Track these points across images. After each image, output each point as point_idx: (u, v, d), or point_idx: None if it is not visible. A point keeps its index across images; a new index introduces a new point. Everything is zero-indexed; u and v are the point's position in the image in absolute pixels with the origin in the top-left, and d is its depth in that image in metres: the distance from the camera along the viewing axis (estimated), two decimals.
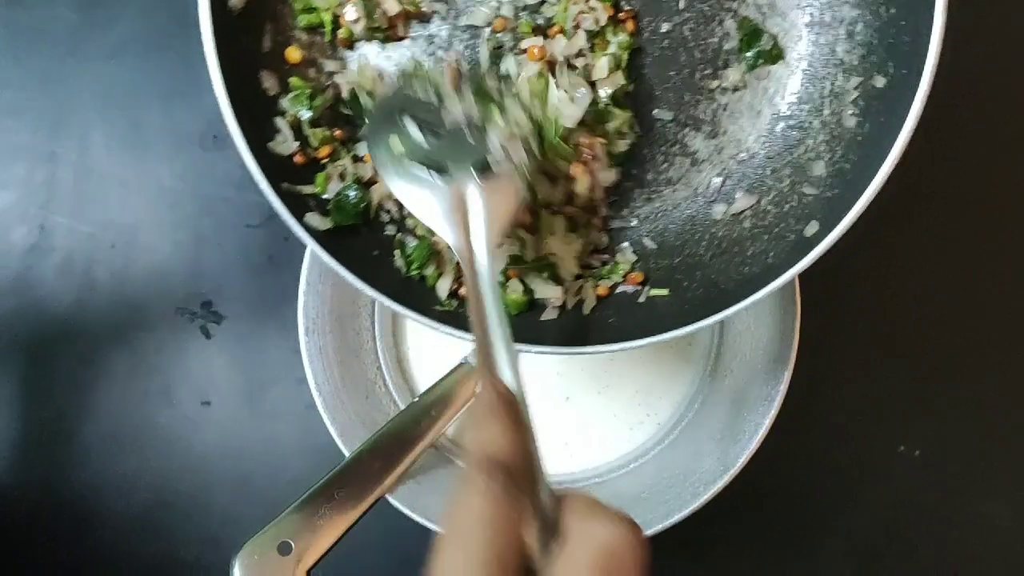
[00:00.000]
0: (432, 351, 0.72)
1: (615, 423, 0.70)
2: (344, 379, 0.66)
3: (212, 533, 0.75)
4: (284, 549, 0.54)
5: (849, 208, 0.47)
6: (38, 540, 0.76)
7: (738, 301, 0.50)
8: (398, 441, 0.62)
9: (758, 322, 0.66)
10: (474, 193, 0.47)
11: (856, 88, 0.52)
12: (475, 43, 0.56)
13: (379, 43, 0.56)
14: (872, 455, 0.75)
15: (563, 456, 0.70)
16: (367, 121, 0.54)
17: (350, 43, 0.56)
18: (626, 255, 0.57)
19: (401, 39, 0.56)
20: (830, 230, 0.48)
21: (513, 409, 0.38)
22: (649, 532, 0.60)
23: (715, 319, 0.50)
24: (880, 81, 0.51)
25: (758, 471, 0.62)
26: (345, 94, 0.56)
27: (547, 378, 0.71)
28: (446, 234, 0.47)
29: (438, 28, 0.56)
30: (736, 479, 0.61)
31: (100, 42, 0.83)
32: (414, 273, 0.56)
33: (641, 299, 0.56)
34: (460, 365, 0.68)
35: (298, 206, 0.52)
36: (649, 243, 0.57)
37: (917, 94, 0.46)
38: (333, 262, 0.52)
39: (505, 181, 0.48)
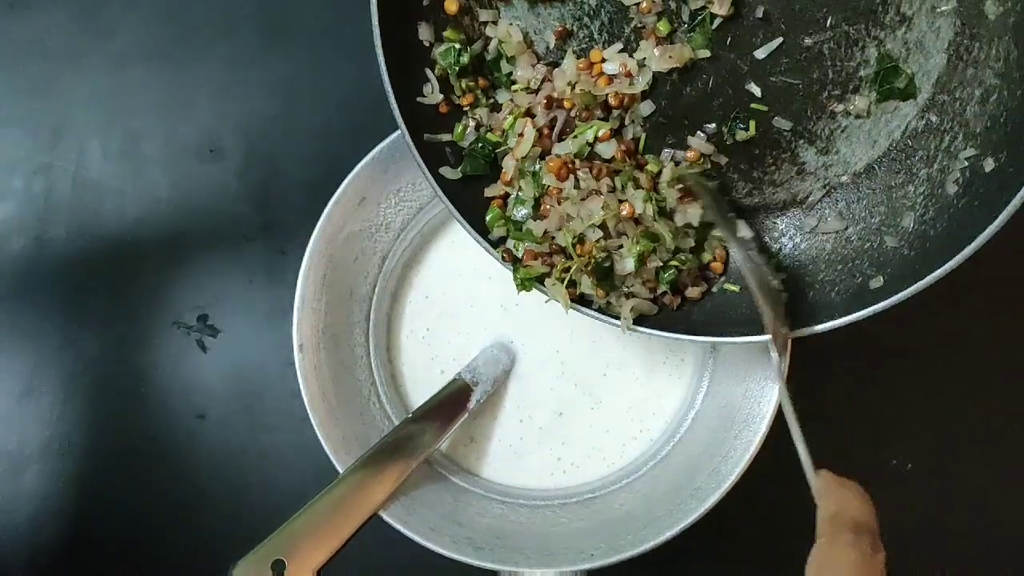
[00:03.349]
0: (426, 368, 0.72)
1: (608, 439, 0.70)
2: (338, 396, 0.66)
3: (207, 547, 0.75)
4: (277, 567, 0.55)
5: (913, 282, 0.48)
6: (32, 554, 0.76)
7: (792, 328, 0.53)
8: (392, 458, 0.62)
9: None
10: (783, 310, 0.55)
11: (968, 159, 0.52)
12: (620, 19, 0.58)
13: (528, 3, 0.58)
14: (864, 469, 0.74)
15: (556, 471, 0.70)
16: (707, 202, 0.57)
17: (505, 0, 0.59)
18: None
19: (552, 1, 0.58)
20: (890, 295, 0.50)
21: (859, 487, 0.47)
22: (642, 548, 0.60)
23: (764, 339, 0.53)
24: (989, 164, 0.50)
25: (751, 487, 0.62)
26: (490, 54, 0.59)
27: (540, 393, 0.71)
28: (770, 321, 0.54)
29: None
30: (729, 495, 0.60)
31: (98, 53, 0.84)
32: None
33: (715, 289, 0.59)
34: (453, 381, 0.68)
35: (435, 159, 0.58)
36: (744, 231, 0.59)
37: (1013, 199, 0.46)
38: (459, 216, 0.59)
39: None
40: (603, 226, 0.56)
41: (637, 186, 0.56)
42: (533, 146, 0.58)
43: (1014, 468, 0.75)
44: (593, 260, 0.56)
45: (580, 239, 0.56)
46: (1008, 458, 0.75)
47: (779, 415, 0.62)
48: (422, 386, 0.71)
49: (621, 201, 0.56)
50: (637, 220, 0.55)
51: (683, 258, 0.58)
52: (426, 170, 0.58)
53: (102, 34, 0.84)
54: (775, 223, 0.60)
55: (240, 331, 0.79)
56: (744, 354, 0.65)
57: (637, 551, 0.59)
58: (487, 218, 0.59)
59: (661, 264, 0.57)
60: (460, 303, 0.72)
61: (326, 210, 0.65)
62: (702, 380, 0.69)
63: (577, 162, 0.57)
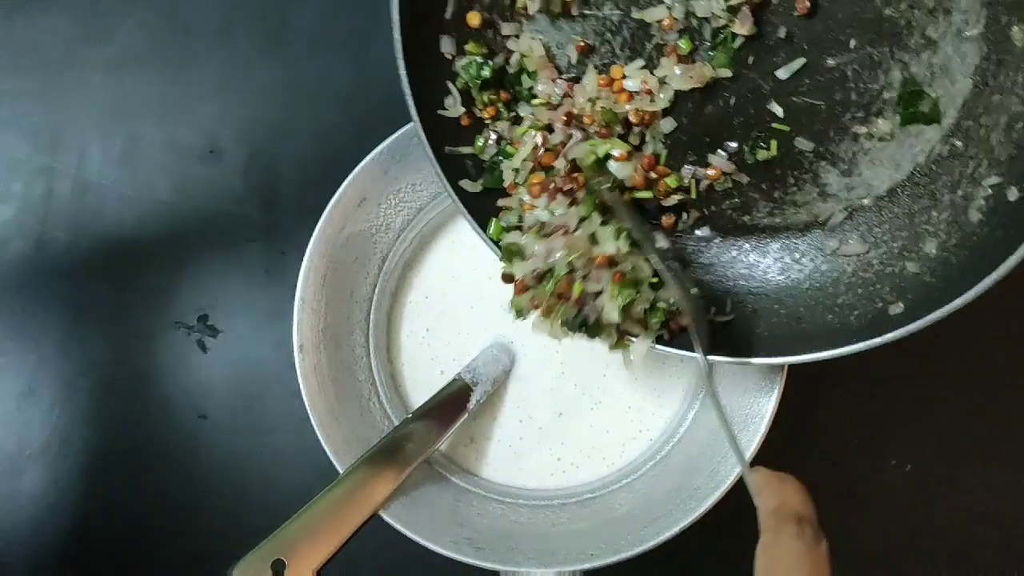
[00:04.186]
0: (426, 368, 0.72)
1: (607, 439, 0.70)
2: (338, 396, 0.66)
3: (207, 547, 0.75)
4: (277, 567, 0.55)
5: (934, 310, 0.48)
6: (32, 555, 0.76)
7: (810, 351, 0.53)
8: (392, 458, 0.62)
9: None
10: (703, 312, 0.57)
11: (992, 186, 0.51)
12: (641, 36, 0.57)
13: (550, 18, 0.59)
14: (863, 469, 0.75)
15: (556, 471, 0.70)
16: (623, 216, 0.56)
17: (526, 14, 0.59)
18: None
19: (573, 16, 0.58)
20: (909, 322, 0.49)
21: (797, 479, 0.48)
22: (642, 548, 0.60)
23: (785, 360, 0.54)
24: (1013, 193, 0.49)
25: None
26: (512, 67, 0.59)
27: (540, 393, 0.71)
28: (694, 328, 0.55)
29: (610, 12, 0.58)
30: (728, 495, 0.61)
31: (98, 56, 0.84)
32: None
33: (728, 309, 0.59)
34: (453, 382, 0.68)
35: (455, 171, 0.59)
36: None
37: None
38: (478, 229, 0.60)
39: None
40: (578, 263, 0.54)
41: (603, 211, 0.55)
42: (535, 156, 0.58)
43: (1013, 470, 0.75)
44: (574, 312, 0.54)
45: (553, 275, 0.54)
46: (1007, 460, 0.75)
47: (779, 414, 0.63)
48: (422, 386, 0.72)
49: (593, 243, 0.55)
50: (612, 261, 0.54)
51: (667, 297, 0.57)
52: (446, 182, 0.58)
53: (102, 38, 0.84)
54: (795, 244, 0.59)
55: (241, 332, 0.79)
56: None
57: (637, 551, 0.59)
58: (490, 229, 0.60)
59: (648, 306, 0.56)
60: (460, 303, 0.72)
61: (326, 211, 0.65)
62: (700, 381, 0.69)
63: (558, 181, 0.56)
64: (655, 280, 0.55)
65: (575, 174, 0.57)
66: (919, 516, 0.74)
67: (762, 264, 0.60)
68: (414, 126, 0.57)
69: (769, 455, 0.60)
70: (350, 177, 0.66)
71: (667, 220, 0.61)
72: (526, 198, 0.58)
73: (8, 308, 0.80)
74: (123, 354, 0.79)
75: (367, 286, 0.71)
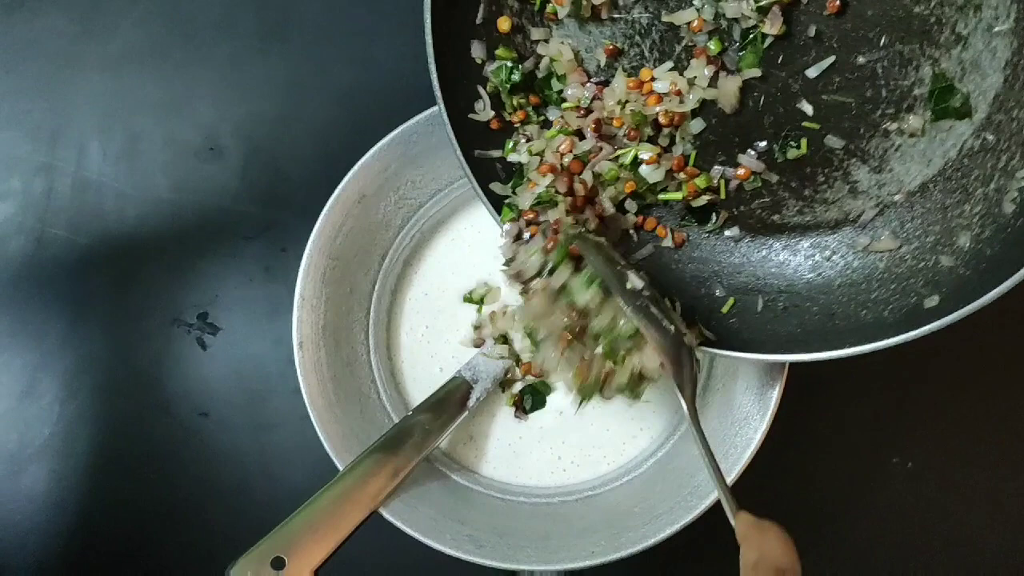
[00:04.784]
0: (425, 365, 0.72)
1: (608, 437, 0.70)
2: (338, 393, 0.66)
3: (209, 544, 0.75)
4: (277, 564, 0.55)
5: (969, 301, 0.47)
6: (33, 552, 0.76)
7: (844, 346, 0.52)
8: (392, 455, 0.62)
9: None
10: (687, 354, 0.55)
11: None
12: (670, 38, 0.57)
13: (579, 22, 0.59)
14: (865, 467, 0.74)
15: (556, 469, 0.70)
16: (591, 259, 0.56)
17: (556, 18, 0.59)
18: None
19: (602, 20, 0.58)
20: (945, 315, 0.48)
21: (779, 526, 0.46)
22: (643, 546, 0.60)
23: (820, 356, 0.52)
24: None
25: (751, 485, 0.62)
26: (541, 71, 0.60)
27: None
28: (672, 372, 0.54)
29: (640, 15, 0.57)
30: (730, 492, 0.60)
31: (98, 53, 0.84)
32: None
33: (759, 307, 0.58)
34: (453, 379, 0.68)
35: (485, 174, 0.59)
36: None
37: None
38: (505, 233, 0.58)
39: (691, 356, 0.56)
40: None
41: (575, 260, 0.55)
42: (558, 160, 0.58)
43: (1015, 466, 0.74)
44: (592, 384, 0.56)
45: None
46: (1009, 457, 0.74)
47: (779, 413, 0.62)
48: (421, 383, 0.71)
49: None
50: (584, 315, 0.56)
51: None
52: (476, 185, 0.58)
53: (101, 35, 0.84)
54: (826, 241, 0.59)
55: (240, 329, 0.79)
56: None
57: (638, 548, 0.59)
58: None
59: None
60: (459, 300, 0.72)
61: (326, 207, 0.65)
62: (701, 378, 0.69)
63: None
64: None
65: (555, 222, 0.56)
66: (921, 514, 0.74)
67: (793, 262, 0.59)
68: (445, 130, 0.57)
69: (769, 454, 0.60)
70: (350, 174, 0.65)
71: (678, 236, 0.61)
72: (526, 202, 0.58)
73: (8, 306, 0.80)
74: (123, 352, 0.79)
75: (367, 283, 0.71)
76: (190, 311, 0.79)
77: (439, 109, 0.56)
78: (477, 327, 0.71)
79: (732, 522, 0.48)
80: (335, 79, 0.81)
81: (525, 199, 0.57)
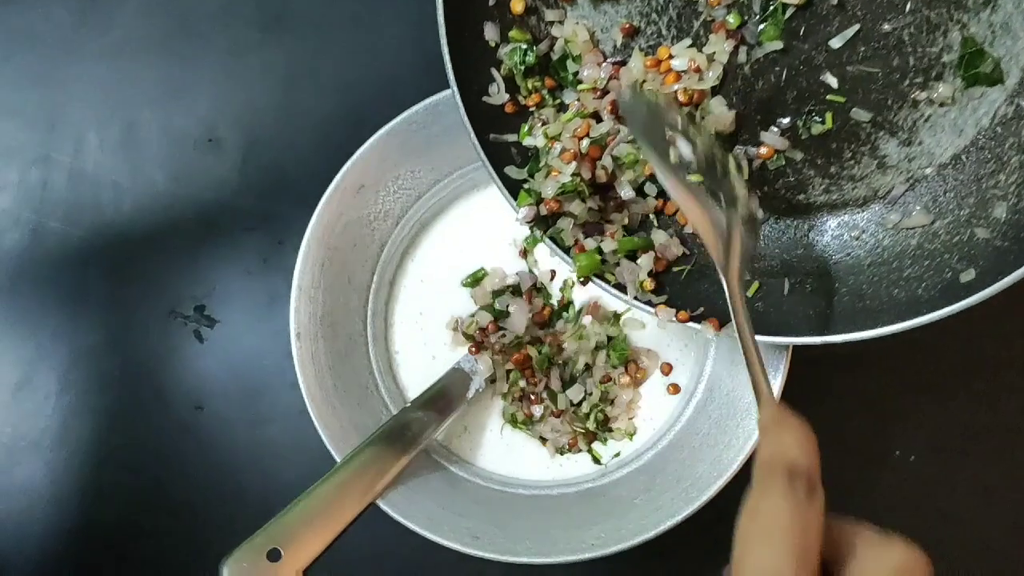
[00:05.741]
0: (419, 352, 0.71)
1: None
2: (336, 385, 0.65)
3: (205, 538, 0.75)
4: (273, 556, 0.54)
5: (1008, 272, 0.46)
6: (27, 546, 0.76)
7: (876, 325, 0.50)
8: (390, 446, 0.61)
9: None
10: (738, 231, 0.51)
11: None
12: (688, 14, 0.56)
13: (593, 2, 0.58)
14: (867, 460, 0.74)
15: (552, 462, 0.69)
16: (634, 125, 0.54)
17: None
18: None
19: None
20: (982, 288, 0.46)
21: (802, 422, 0.41)
22: (643, 537, 0.59)
23: (852, 337, 0.51)
24: None
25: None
26: (556, 53, 0.58)
27: None
28: (716, 253, 0.50)
29: None
30: (730, 484, 0.60)
31: (95, 43, 0.83)
32: None
33: (786, 290, 0.57)
34: (454, 370, 0.68)
35: (500, 158, 0.58)
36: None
37: None
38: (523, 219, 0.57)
39: (751, 227, 0.52)
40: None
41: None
42: (577, 147, 0.57)
43: (1017, 459, 0.73)
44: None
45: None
46: (1011, 449, 0.74)
47: (781, 403, 0.62)
48: (415, 372, 0.71)
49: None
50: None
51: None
52: (491, 169, 0.57)
53: (99, 25, 0.83)
54: (855, 220, 0.57)
55: (238, 322, 0.78)
56: None
57: (638, 540, 0.59)
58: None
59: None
60: (454, 287, 0.71)
61: (324, 197, 0.64)
62: (704, 366, 0.68)
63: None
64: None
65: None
66: (923, 507, 0.73)
67: (820, 243, 0.58)
68: (459, 114, 0.56)
69: None
70: (349, 163, 0.65)
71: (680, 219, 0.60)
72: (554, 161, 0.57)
73: (3, 298, 0.79)
74: (119, 344, 0.78)
75: (365, 274, 0.70)
76: (187, 303, 0.78)
77: (452, 91, 0.55)
78: (454, 329, 0.70)
79: (758, 410, 0.44)
80: (335, 70, 0.81)
81: (549, 188, 0.56)
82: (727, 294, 0.49)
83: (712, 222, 0.50)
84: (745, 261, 0.50)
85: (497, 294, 0.69)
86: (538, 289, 0.70)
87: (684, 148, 0.51)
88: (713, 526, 0.62)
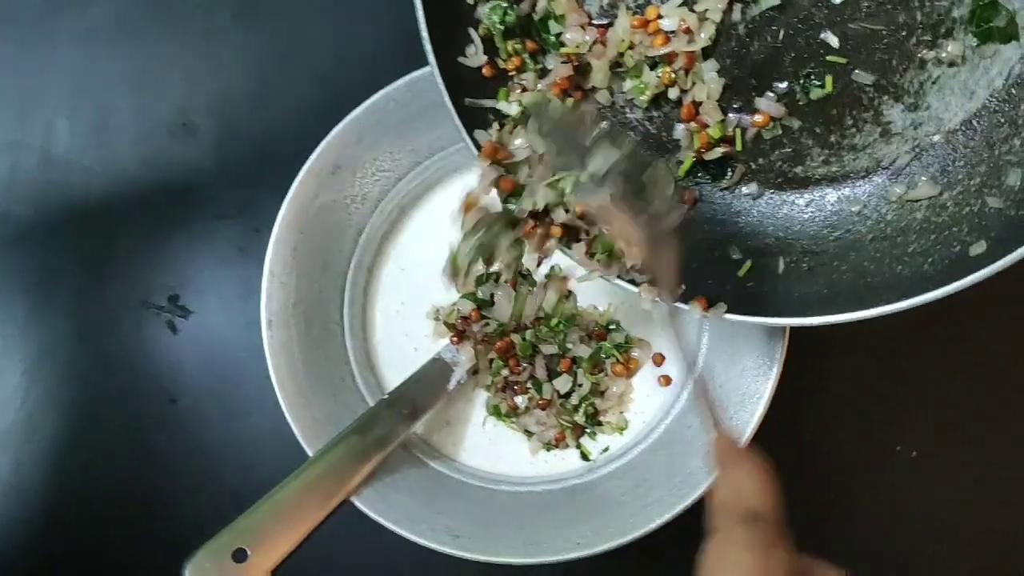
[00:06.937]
0: (399, 344, 0.68)
1: None
2: (309, 375, 0.63)
3: (178, 535, 0.71)
4: (239, 556, 0.51)
5: (1022, 243, 0.42)
6: None
7: (878, 304, 0.47)
8: (366, 440, 0.59)
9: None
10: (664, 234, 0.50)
11: None
12: None
13: None
14: (867, 455, 0.72)
15: (543, 456, 0.67)
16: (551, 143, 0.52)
17: None
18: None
19: None
20: (995, 260, 0.43)
21: (761, 462, 0.38)
22: (631, 536, 0.57)
23: (853, 316, 0.47)
24: None
25: None
26: (538, 13, 0.55)
27: None
28: (646, 266, 0.50)
29: None
30: None
31: (69, 28, 0.81)
32: None
33: (780, 270, 0.53)
34: (434, 360, 0.65)
35: (476, 125, 0.54)
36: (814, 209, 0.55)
37: None
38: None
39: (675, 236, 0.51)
40: None
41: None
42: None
43: (1019, 454, 0.72)
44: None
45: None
46: (1013, 444, 0.72)
47: (777, 396, 0.59)
48: (395, 364, 0.68)
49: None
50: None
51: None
52: (466, 135, 0.53)
53: (72, 8, 0.81)
54: (856, 194, 0.54)
55: (212, 312, 0.76)
56: (743, 330, 0.62)
57: (626, 539, 0.57)
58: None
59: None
60: (437, 276, 0.68)
61: (297, 178, 0.62)
62: (695, 360, 0.66)
63: None
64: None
65: None
66: (925, 502, 0.71)
67: (818, 219, 0.55)
68: (431, 73, 0.52)
69: (767, 440, 0.57)
70: (324, 142, 0.63)
71: (689, 195, 0.57)
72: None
73: None
74: (90, 335, 0.76)
75: (342, 260, 0.68)
76: (160, 293, 0.76)
77: (425, 49, 0.51)
78: (436, 319, 0.68)
79: (709, 447, 0.41)
80: (312, 53, 0.78)
81: (512, 107, 0.53)
82: (667, 311, 0.49)
83: (637, 234, 0.48)
84: (678, 272, 0.50)
85: (480, 282, 0.66)
86: (524, 276, 0.67)
87: (601, 160, 0.50)
88: (703, 524, 0.60)
